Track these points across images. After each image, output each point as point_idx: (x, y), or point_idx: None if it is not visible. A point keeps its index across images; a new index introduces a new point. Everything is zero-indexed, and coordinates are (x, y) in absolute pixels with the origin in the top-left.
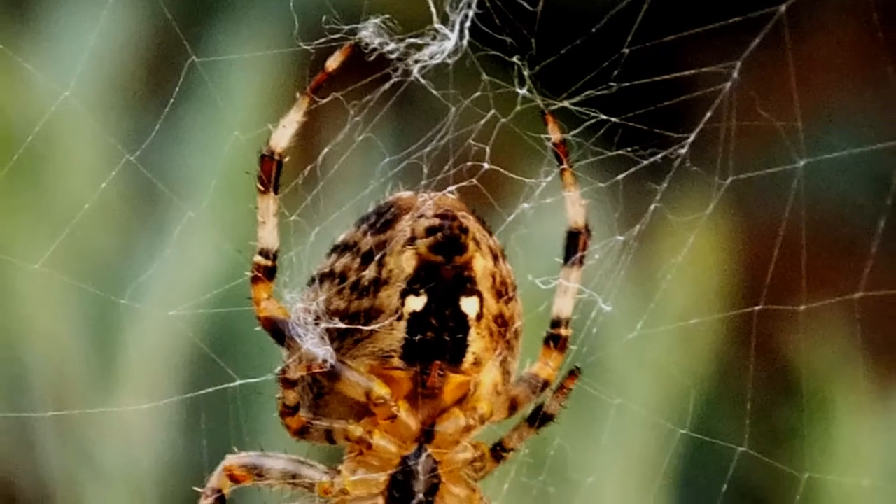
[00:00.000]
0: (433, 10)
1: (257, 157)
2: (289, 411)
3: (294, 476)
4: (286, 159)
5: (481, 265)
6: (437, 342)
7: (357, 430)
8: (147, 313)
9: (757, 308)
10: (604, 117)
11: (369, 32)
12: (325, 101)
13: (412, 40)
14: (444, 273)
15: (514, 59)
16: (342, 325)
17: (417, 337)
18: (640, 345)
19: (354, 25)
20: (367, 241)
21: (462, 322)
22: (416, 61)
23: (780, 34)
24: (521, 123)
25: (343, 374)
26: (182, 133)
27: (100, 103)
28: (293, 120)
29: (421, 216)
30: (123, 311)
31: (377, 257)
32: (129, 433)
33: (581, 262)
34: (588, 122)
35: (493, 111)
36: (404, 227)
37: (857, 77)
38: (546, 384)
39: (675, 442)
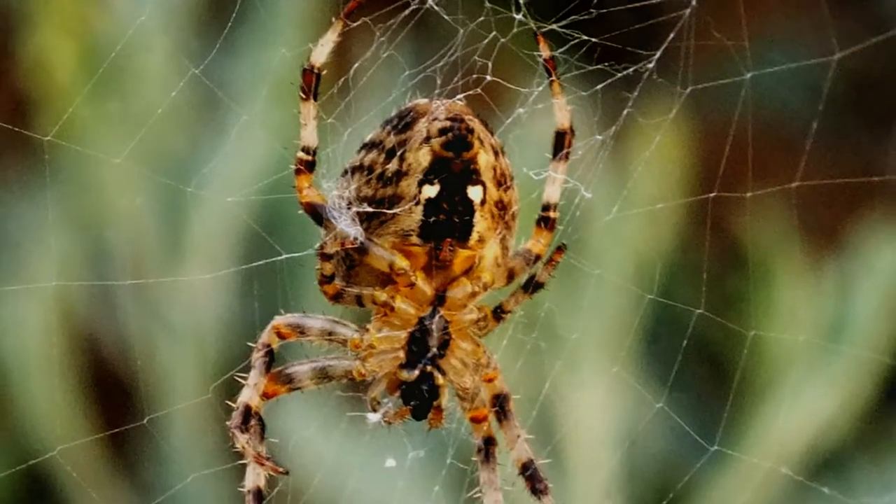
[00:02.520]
0: None
1: (300, 71)
2: (326, 280)
3: (330, 333)
4: (324, 72)
5: (484, 159)
6: (448, 223)
7: (382, 295)
8: (209, 199)
9: (711, 195)
10: (585, 38)
11: None
12: (355, 24)
13: None
14: (454, 166)
15: None
16: (370, 209)
17: (432, 219)
18: (615, 225)
19: None
20: (391, 140)
21: (469, 206)
22: None
23: None
24: (517, 43)
25: (370, 249)
26: (238, 50)
27: (171, 25)
28: (329, 40)
29: (435, 119)
30: (190, 198)
31: (399, 153)
32: (194, 298)
33: (567, 157)
34: (572, 42)
35: (494, 33)
36: (421, 128)
37: (795, 3)
38: (538, 257)
39: (644, 305)
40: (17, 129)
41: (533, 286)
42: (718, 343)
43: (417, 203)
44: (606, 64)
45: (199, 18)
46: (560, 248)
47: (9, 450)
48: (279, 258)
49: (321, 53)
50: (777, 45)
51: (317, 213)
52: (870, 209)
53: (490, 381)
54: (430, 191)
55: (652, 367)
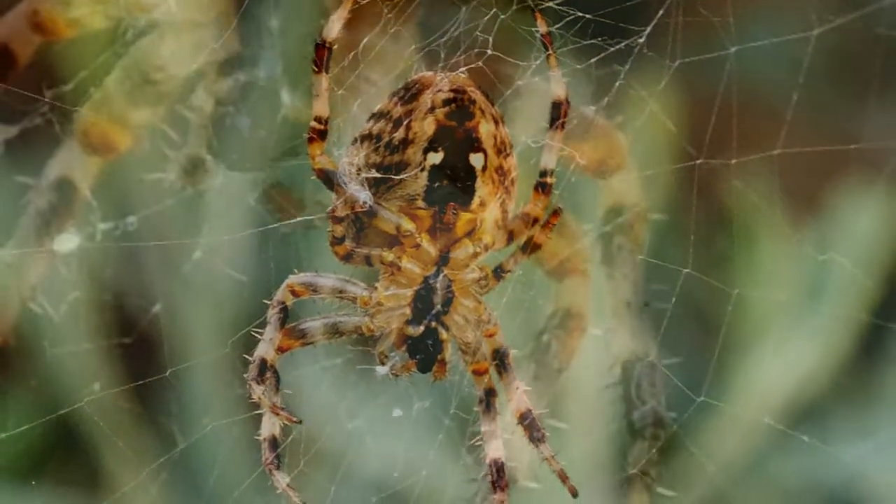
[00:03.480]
0: None
1: (313, 45)
2: (337, 241)
3: (341, 292)
4: (335, 47)
5: (486, 129)
6: (451, 188)
7: (389, 255)
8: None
9: (698, 161)
10: (580, 14)
11: None
12: (365, 1)
13: None
14: (457, 135)
15: None
16: (378, 175)
17: (436, 184)
18: (607, 190)
19: None
20: (398, 110)
21: (471, 173)
22: None
23: None
24: (516, 19)
25: (379, 213)
26: (254, 26)
27: (191, 5)
28: (341, 16)
29: (439, 91)
30: (209, 165)
31: (405, 122)
32: (213, 258)
33: (562, 126)
34: (568, 18)
35: (494, 9)
36: (426, 99)
37: None
38: (535, 220)
39: (635, 265)
40: (47, 101)
41: (531, 247)
42: (705, 301)
43: (423, 169)
44: (600, 39)
45: None
46: (556, 212)
47: (40, 400)
48: (293, 221)
49: (333, 29)
50: (760, 21)
51: (328, 179)
52: (847, 175)
53: (491, 336)
54: (435, 158)
55: (642, 323)
